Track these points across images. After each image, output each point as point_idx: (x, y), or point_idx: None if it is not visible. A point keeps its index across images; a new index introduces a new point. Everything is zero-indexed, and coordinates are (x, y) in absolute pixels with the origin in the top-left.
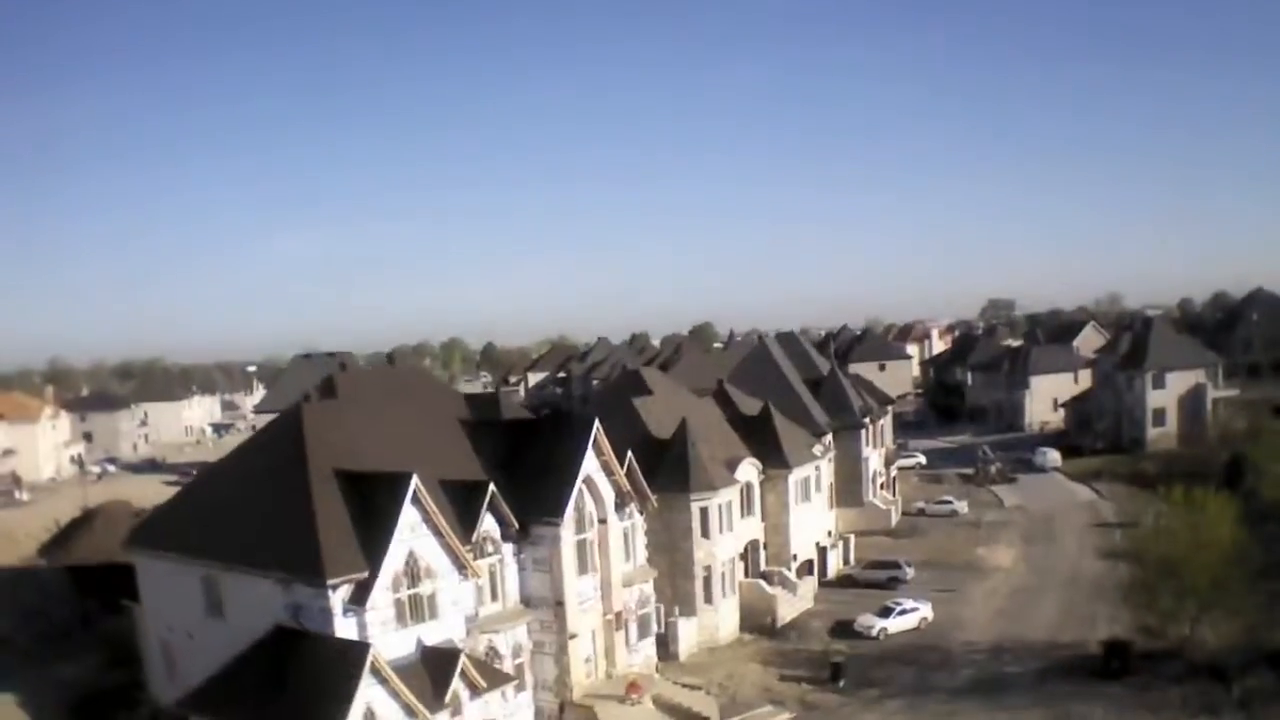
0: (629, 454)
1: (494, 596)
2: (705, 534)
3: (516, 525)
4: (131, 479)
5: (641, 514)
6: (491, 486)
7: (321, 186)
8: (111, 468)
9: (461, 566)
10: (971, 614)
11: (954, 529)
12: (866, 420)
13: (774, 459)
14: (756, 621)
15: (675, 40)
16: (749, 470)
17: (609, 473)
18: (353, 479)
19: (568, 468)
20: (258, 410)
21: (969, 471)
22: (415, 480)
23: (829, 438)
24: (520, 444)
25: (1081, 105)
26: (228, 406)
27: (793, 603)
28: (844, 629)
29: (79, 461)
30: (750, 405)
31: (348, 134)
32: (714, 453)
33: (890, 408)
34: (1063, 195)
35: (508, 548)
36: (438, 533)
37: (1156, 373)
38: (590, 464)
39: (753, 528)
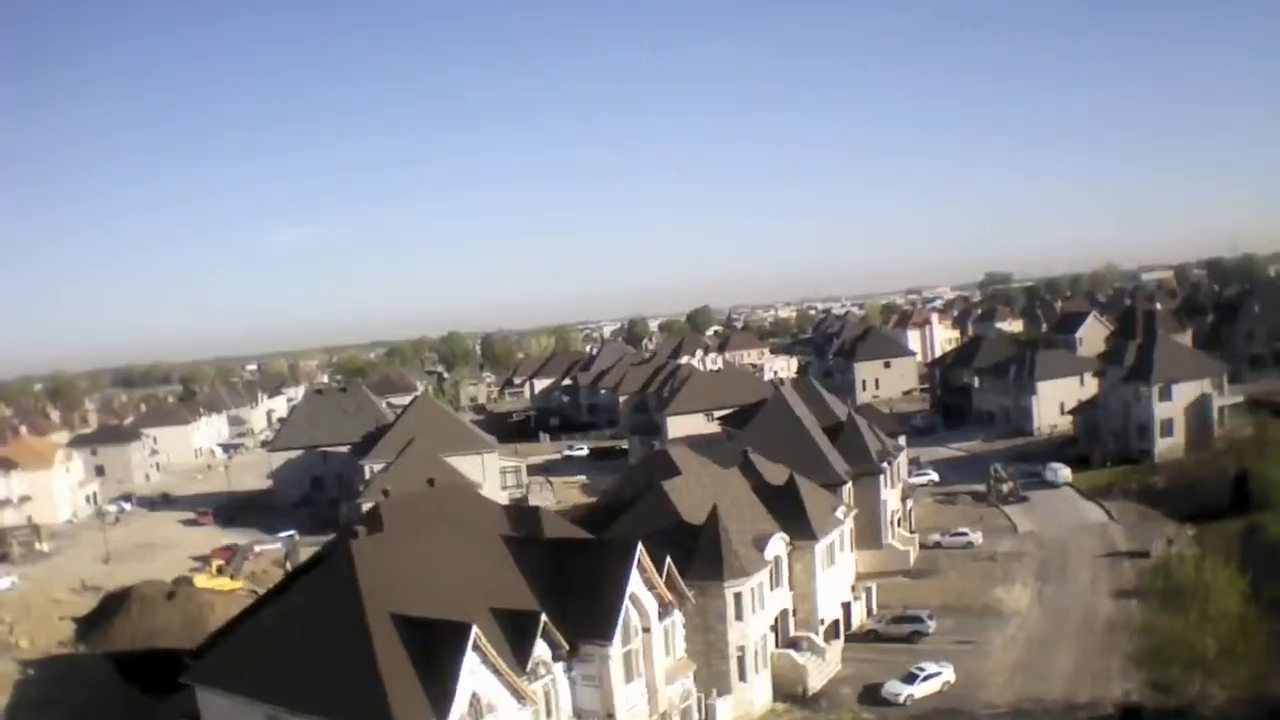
0: (668, 561)
1: (548, 713)
2: (739, 616)
3: (567, 647)
4: (148, 518)
5: (681, 611)
6: (543, 618)
7: (315, 183)
8: (127, 506)
9: (520, 696)
10: (991, 668)
11: (970, 564)
12: (884, 465)
13: (801, 530)
14: (788, 691)
15: (665, 21)
16: (778, 545)
17: (651, 586)
18: (412, 624)
19: (614, 591)
20: (271, 448)
21: (981, 489)
22: (475, 631)
23: (849, 487)
24: (565, 563)
25: (1071, 73)
26: (234, 422)
27: (822, 668)
28: (872, 694)
29: (94, 501)
30: (775, 473)
31: (341, 131)
32: (743, 528)
33: (904, 438)
34: (1054, 161)
35: (558, 666)
36: (496, 671)
37: (1163, 385)
38: (634, 582)
39: (781, 598)
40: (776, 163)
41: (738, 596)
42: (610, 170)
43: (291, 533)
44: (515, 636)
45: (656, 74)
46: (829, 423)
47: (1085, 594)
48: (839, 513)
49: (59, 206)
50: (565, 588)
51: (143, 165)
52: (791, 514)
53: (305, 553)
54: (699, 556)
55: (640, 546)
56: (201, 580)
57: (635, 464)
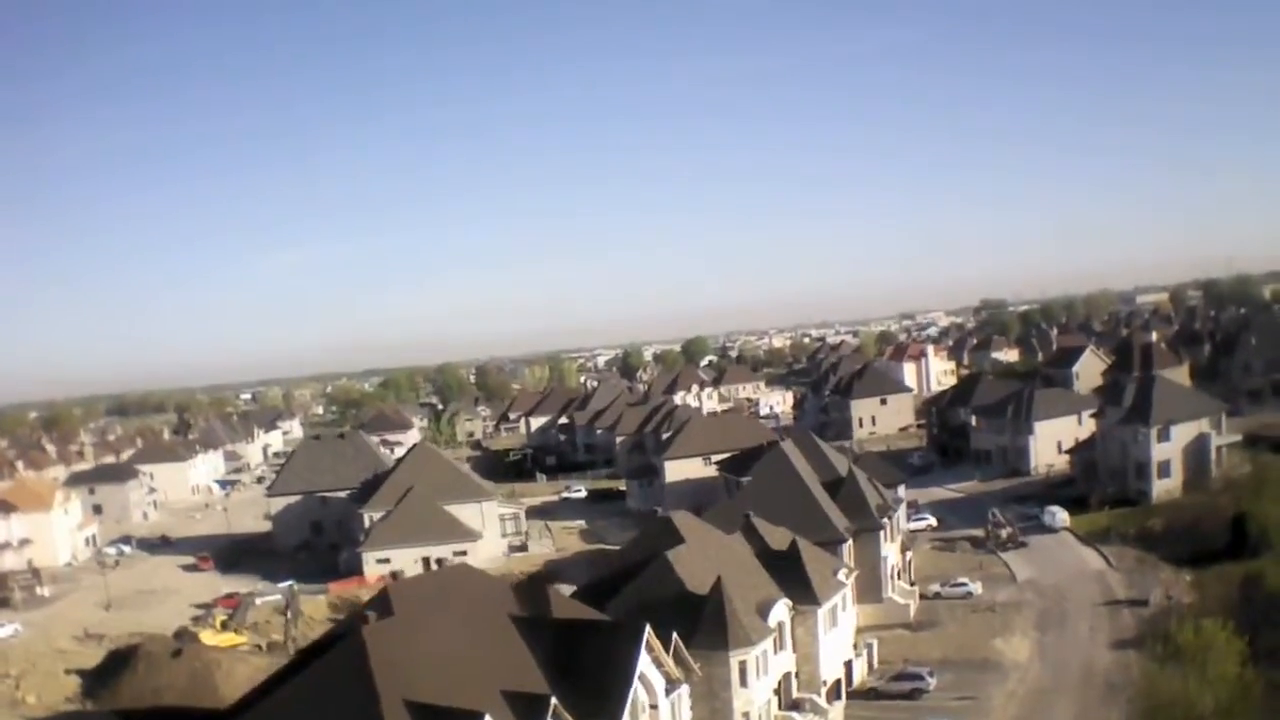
0: (674, 637)
1: None
2: (744, 683)
3: None
4: (147, 562)
5: (687, 684)
6: (553, 701)
7: (305, 208)
8: (126, 549)
9: None
10: None
11: (970, 615)
12: (885, 520)
13: (803, 595)
14: None
15: (665, 42)
16: (781, 611)
17: (659, 664)
18: (425, 712)
19: (622, 673)
20: (270, 493)
21: (979, 534)
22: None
23: (849, 544)
24: (573, 644)
25: (1068, 97)
26: (230, 458)
27: None
28: None
29: (94, 543)
30: (777, 537)
31: (335, 153)
32: (746, 595)
33: (903, 488)
34: (1049, 180)
35: None
36: None
37: (1161, 426)
38: (643, 662)
39: (785, 661)
40: (770, 186)
41: (742, 664)
42: (604, 192)
43: (290, 582)
44: (526, 719)
45: (644, 99)
46: (829, 477)
47: (1084, 645)
48: (841, 575)
49: (51, 231)
50: (574, 669)
51: (133, 185)
52: (794, 578)
53: (305, 601)
54: (704, 626)
55: (648, 628)
56: (208, 636)
57: (639, 530)
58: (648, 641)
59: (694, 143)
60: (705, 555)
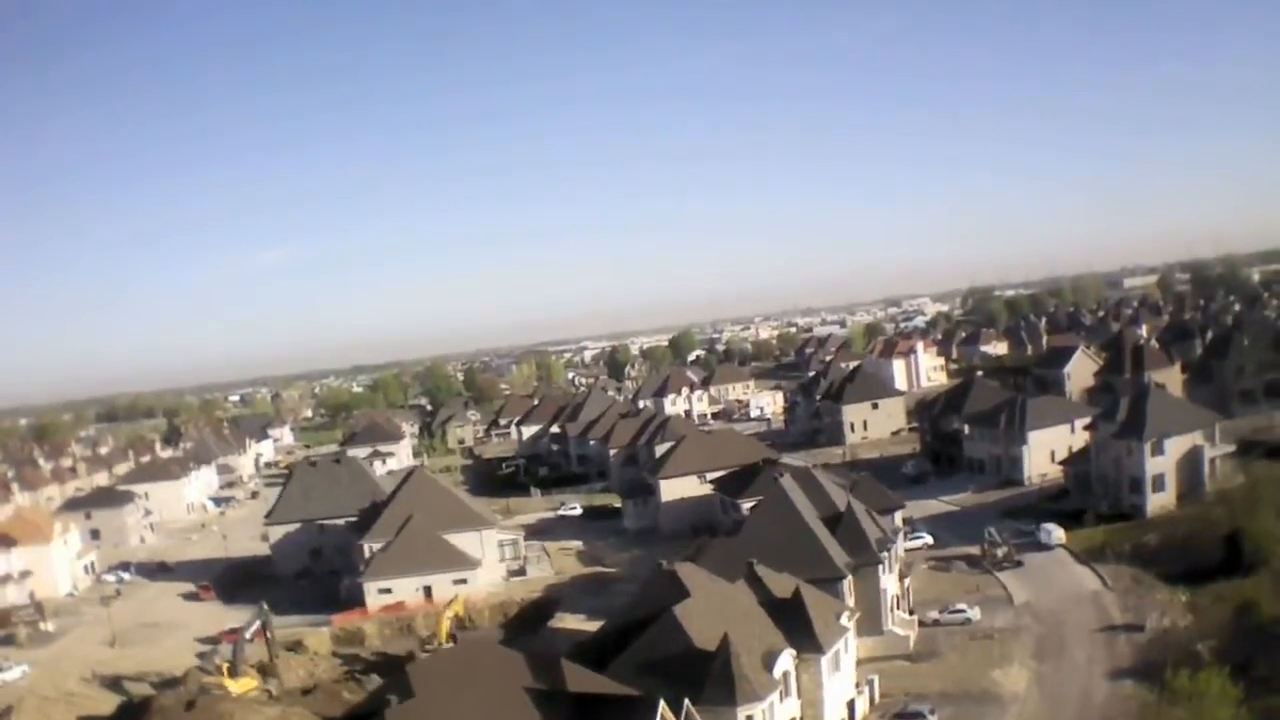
0: (686, 704)
1: None
2: None
3: None
4: (148, 589)
5: None
6: None
7: (287, 205)
8: (126, 575)
9: None
10: None
11: (969, 643)
12: (884, 554)
13: (807, 643)
14: None
15: (650, 32)
16: (786, 661)
17: None
18: None
19: None
20: (269, 521)
21: (976, 552)
22: None
23: (849, 581)
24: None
25: (1051, 79)
26: (223, 470)
27: None
28: None
29: (93, 570)
30: (780, 584)
31: (323, 150)
32: (751, 646)
33: (899, 516)
34: (1032, 159)
35: None
36: None
37: (1155, 440)
38: None
39: (790, 708)
40: (753, 174)
41: (749, 719)
42: (589, 185)
43: (262, 604)
44: None
45: (626, 91)
46: (828, 512)
47: (1081, 674)
48: (843, 619)
49: (33, 233)
50: None
51: (116, 185)
52: (798, 626)
53: (308, 635)
54: (711, 683)
55: (662, 703)
56: (227, 683)
57: (644, 583)
58: (661, 714)
59: (678, 131)
60: (710, 607)
